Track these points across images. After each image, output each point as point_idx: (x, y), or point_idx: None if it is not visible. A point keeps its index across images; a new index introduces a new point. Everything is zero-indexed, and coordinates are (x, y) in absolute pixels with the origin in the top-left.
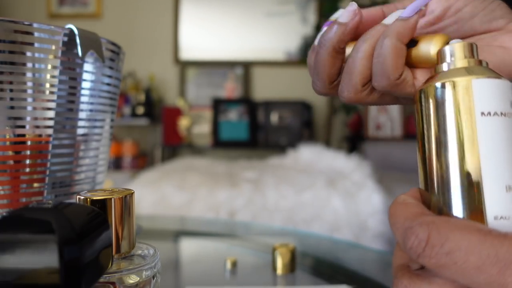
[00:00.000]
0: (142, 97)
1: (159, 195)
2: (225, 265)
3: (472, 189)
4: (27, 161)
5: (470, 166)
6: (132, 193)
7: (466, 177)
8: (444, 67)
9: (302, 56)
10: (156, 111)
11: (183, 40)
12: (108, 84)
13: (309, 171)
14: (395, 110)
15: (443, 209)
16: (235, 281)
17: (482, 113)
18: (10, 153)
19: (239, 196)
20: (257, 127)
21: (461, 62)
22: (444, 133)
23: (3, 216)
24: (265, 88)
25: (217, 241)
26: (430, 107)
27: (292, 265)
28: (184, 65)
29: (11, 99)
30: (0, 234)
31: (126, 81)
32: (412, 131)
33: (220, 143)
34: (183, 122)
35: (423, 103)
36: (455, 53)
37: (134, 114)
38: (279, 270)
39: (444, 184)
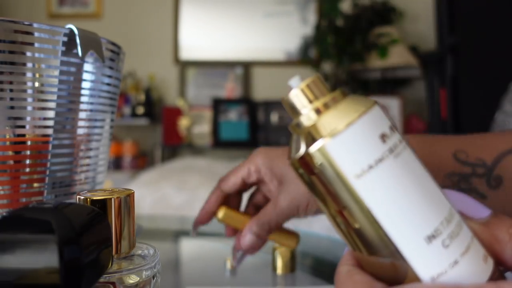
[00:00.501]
0: (142, 97)
1: (159, 195)
2: (225, 265)
3: (395, 258)
4: (27, 161)
5: (377, 237)
6: (132, 193)
7: (380, 248)
8: (296, 126)
9: (302, 56)
10: (156, 111)
11: (183, 40)
12: (108, 84)
13: None
14: (395, 109)
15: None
16: (235, 281)
17: (357, 176)
18: (10, 153)
19: None
20: (257, 127)
21: (308, 115)
22: (334, 209)
23: (3, 216)
24: (265, 88)
25: (217, 241)
26: (307, 182)
27: (292, 265)
28: (184, 65)
29: (11, 99)
30: (0, 234)
31: (126, 81)
32: (413, 131)
33: (220, 143)
34: (183, 122)
35: (300, 177)
36: (299, 103)
37: (134, 114)
38: (279, 270)
39: (370, 254)
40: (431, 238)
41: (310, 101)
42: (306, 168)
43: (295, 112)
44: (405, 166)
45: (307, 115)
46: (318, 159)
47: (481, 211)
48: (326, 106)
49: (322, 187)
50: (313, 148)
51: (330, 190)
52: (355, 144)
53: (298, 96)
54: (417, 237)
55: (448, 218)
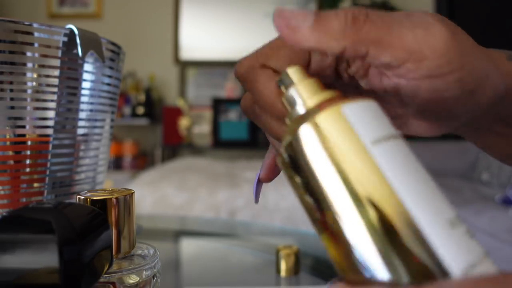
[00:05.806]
0: (142, 97)
1: (159, 195)
2: (225, 265)
3: (418, 245)
4: (27, 161)
5: (394, 214)
6: (132, 193)
7: (396, 233)
8: (298, 110)
9: None
10: (156, 111)
11: (183, 40)
12: (108, 84)
13: None
14: None
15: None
16: (235, 281)
17: (373, 142)
18: (10, 153)
19: (239, 196)
20: (257, 127)
21: (312, 99)
22: (342, 189)
23: (3, 216)
24: None
25: (217, 241)
26: (303, 167)
27: (296, 268)
28: (184, 65)
29: (11, 99)
30: (0, 234)
31: (126, 81)
32: None
33: (220, 143)
34: (183, 122)
35: (292, 167)
36: (305, 92)
37: (134, 114)
38: (283, 273)
39: (376, 260)
40: (453, 223)
41: (314, 93)
42: (308, 141)
43: (296, 104)
44: (413, 153)
45: (315, 98)
46: (331, 123)
47: None
48: (328, 95)
49: (328, 161)
50: (325, 113)
51: (344, 158)
52: (371, 114)
53: (302, 89)
54: (440, 217)
55: (459, 218)
